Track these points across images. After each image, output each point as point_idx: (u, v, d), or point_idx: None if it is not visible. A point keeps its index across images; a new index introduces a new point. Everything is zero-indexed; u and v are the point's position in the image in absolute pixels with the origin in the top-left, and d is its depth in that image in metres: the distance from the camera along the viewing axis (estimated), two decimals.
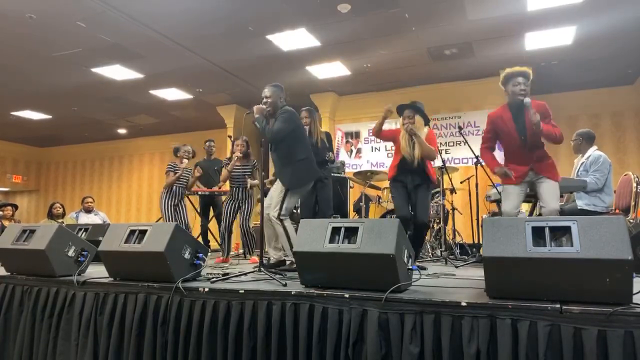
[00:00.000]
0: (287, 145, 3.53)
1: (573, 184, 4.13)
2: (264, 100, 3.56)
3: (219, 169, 6.31)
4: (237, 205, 4.95)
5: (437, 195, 5.47)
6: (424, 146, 3.87)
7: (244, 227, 4.96)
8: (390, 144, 8.20)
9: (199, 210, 6.32)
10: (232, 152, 5.02)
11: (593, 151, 4.26)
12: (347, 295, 2.18)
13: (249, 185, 4.96)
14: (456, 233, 5.64)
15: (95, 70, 7.51)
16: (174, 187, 5.36)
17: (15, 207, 7.09)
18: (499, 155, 3.70)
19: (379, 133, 4.02)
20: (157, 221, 6.80)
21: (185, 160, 5.47)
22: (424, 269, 3.58)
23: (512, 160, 3.47)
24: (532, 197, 4.17)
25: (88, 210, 7.18)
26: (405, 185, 3.97)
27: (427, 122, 4.03)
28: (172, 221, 5.35)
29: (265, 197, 3.56)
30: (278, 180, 3.60)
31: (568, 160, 5.56)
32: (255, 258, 4.68)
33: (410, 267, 2.34)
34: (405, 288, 2.27)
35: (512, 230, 2.02)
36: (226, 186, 6.55)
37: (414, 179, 3.94)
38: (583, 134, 4.38)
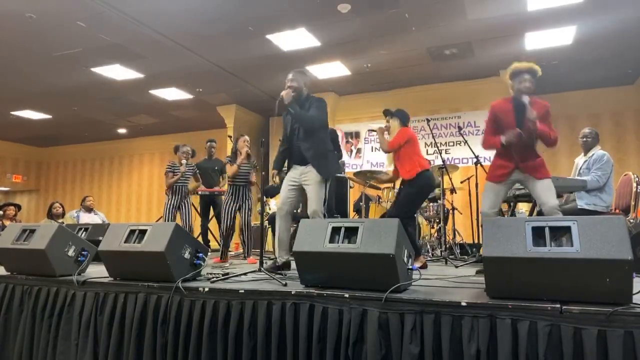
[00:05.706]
0: (323, 134, 3.43)
1: (573, 184, 4.11)
2: (288, 84, 3.38)
3: (219, 168, 6.31)
4: (238, 204, 4.89)
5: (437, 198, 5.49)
6: (380, 140, 4.02)
7: (247, 226, 4.89)
8: None
9: (199, 210, 6.32)
10: (234, 150, 4.96)
11: (597, 150, 4.25)
12: (347, 295, 2.18)
13: (253, 179, 4.98)
14: (456, 233, 5.63)
15: (95, 70, 7.51)
16: (175, 187, 5.42)
17: (19, 207, 7.09)
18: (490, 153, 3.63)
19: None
20: (157, 221, 6.80)
21: (184, 162, 5.52)
22: (424, 267, 3.59)
23: (502, 156, 3.42)
24: (530, 197, 4.16)
25: (89, 209, 7.19)
26: (399, 190, 4.07)
27: (405, 122, 4.04)
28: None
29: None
30: (294, 172, 3.42)
31: (568, 160, 5.56)
32: (254, 259, 4.66)
33: (410, 267, 2.34)
34: (405, 288, 2.27)
35: (512, 230, 2.01)
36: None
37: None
38: (594, 132, 4.33)
